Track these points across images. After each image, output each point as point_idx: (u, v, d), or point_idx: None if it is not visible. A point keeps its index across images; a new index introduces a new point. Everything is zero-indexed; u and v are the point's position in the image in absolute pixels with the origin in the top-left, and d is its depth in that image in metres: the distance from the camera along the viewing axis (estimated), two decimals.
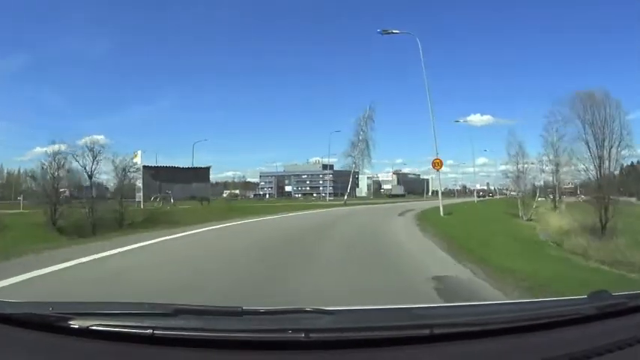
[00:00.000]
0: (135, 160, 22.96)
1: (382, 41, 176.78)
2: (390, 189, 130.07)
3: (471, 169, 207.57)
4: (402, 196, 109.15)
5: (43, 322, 1.41)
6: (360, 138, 42.12)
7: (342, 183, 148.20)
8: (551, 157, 35.78)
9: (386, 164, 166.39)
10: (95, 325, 1.36)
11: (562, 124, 36.30)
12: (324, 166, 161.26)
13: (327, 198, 60.85)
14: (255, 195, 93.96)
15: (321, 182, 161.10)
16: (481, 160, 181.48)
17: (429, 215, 19.76)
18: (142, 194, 26.56)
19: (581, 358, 1.38)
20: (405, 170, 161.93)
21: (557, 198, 35.82)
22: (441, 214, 20.73)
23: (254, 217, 18.94)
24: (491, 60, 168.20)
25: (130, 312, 1.54)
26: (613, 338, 1.50)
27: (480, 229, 14.56)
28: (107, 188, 21.99)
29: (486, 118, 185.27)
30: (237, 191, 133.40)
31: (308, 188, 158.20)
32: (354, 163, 42.36)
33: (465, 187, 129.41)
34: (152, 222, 16.15)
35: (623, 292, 1.89)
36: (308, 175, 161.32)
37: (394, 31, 22.09)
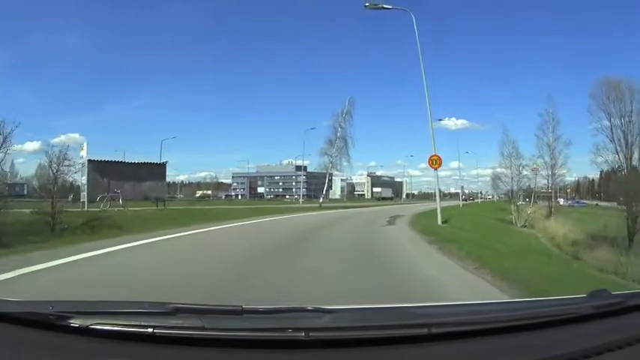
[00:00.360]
0: (81, 154, 19.51)
1: (359, 39, 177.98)
2: (380, 192, 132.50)
3: (444, 173, 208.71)
4: (390, 199, 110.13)
5: (43, 321, 1.40)
6: (338, 135, 37.83)
7: (316, 185, 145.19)
8: (546, 158, 33.19)
9: (359, 167, 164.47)
10: (95, 323, 1.35)
11: (555, 124, 33.88)
12: (298, 167, 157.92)
13: (300, 200, 56.70)
14: (226, 196, 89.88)
15: (294, 184, 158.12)
16: (454, 164, 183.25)
17: (432, 227, 15.76)
18: (86, 193, 22.07)
19: (579, 358, 1.37)
20: (379, 172, 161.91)
21: (552, 202, 32.58)
22: (439, 221, 17.10)
23: (207, 225, 14.86)
24: (469, 65, 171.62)
25: (130, 311, 1.54)
26: (612, 337, 1.49)
27: (493, 242, 12.25)
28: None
29: (461, 122, 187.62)
30: (209, 192, 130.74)
31: (281, 190, 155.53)
32: (331, 162, 38.06)
33: (439, 190, 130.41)
34: (85, 230, 12.19)
35: (622, 292, 1.96)
36: (281, 176, 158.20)
37: (385, 7, 17.43)
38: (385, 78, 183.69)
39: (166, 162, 38.26)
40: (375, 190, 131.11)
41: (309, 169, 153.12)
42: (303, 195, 67.39)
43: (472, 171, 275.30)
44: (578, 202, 77.62)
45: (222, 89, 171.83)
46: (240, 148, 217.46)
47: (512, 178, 32.04)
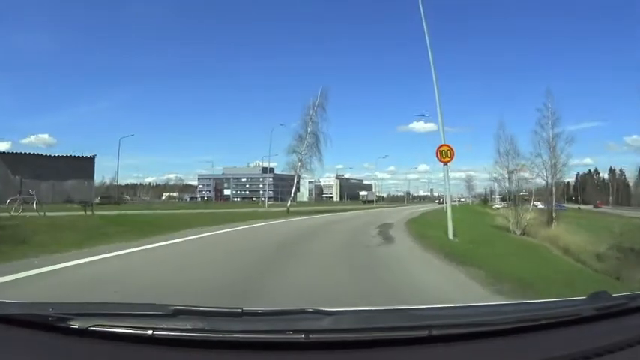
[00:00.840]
0: None
1: (331, 40, 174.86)
2: (366, 195, 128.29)
3: (412, 176, 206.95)
4: (372, 202, 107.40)
5: (43, 323, 1.39)
6: (309, 130, 32.74)
7: (283, 187, 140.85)
8: (545, 157, 29.18)
9: (326, 169, 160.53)
10: (95, 325, 1.34)
11: (556, 120, 30.00)
12: (264, 169, 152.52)
13: (267, 204, 51.54)
14: (191, 198, 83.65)
15: (261, 186, 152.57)
16: (422, 167, 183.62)
17: (446, 244, 10.99)
18: None
19: (580, 359, 1.37)
20: (347, 175, 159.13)
21: (552, 206, 28.45)
22: (450, 235, 12.44)
23: (132, 242, 9.57)
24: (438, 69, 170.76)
25: (130, 312, 1.53)
26: (613, 339, 1.48)
27: (522, 261, 9.88)
28: None
29: (430, 126, 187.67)
30: (175, 194, 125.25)
31: (247, 192, 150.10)
32: (300, 161, 33.02)
33: (408, 193, 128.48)
34: None
35: (622, 293, 1.88)
36: (247, 178, 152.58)
37: None
38: (353, 80, 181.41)
39: (95, 156, 30.92)
40: (362, 193, 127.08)
41: (276, 172, 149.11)
42: (269, 198, 62.18)
43: (440, 174, 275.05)
44: (559, 206, 72.80)
45: (194, 90, 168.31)
46: (211, 149, 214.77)
47: (509, 179, 27.45)
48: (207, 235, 12.55)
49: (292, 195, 33.68)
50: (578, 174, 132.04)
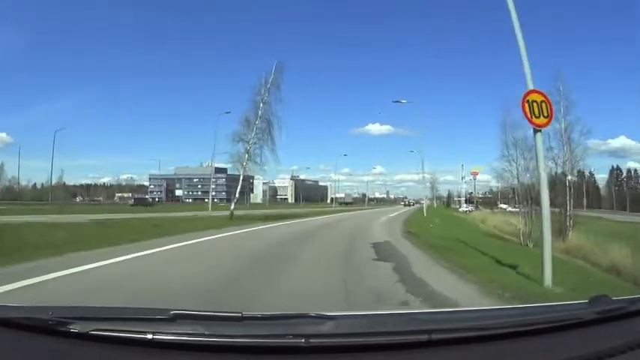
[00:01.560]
0: None
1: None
2: (344, 197, 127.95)
3: (367, 178, 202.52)
4: (350, 204, 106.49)
5: (43, 327, 1.36)
6: (260, 113, 25.24)
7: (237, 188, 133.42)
8: (556, 151, 23.34)
9: (281, 170, 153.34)
10: (95, 329, 1.32)
11: (569, 105, 24.28)
12: (218, 169, 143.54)
13: (210, 207, 43.96)
14: (136, 199, 73.81)
15: (213, 186, 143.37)
16: (378, 169, 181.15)
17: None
18: None
19: None
20: (302, 176, 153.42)
21: (570, 210, 22.38)
22: (546, 280, 5.68)
23: None
24: (392, 70, 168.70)
25: (129, 317, 1.50)
26: (614, 342, 1.46)
27: None
28: None
29: (385, 128, 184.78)
30: (128, 194, 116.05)
31: (199, 193, 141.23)
32: (247, 151, 24.39)
33: (364, 195, 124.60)
34: None
35: (622, 297, 1.83)
36: (199, 178, 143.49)
37: None
38: (308, 81, 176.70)
39: None
40: (339, 195, 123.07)
41: (230, 171, 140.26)
42: (222, 199, 54.63)
43: (395, 176, 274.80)
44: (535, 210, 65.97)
45: (150, 91, 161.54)
46: (170, 149, 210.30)
47: (517, 175, 21.15)
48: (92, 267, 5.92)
49: (236, 196, 25.85)
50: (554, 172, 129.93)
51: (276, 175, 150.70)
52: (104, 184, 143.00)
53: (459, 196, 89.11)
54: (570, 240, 20.18)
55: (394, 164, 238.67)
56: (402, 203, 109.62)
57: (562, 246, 18.14)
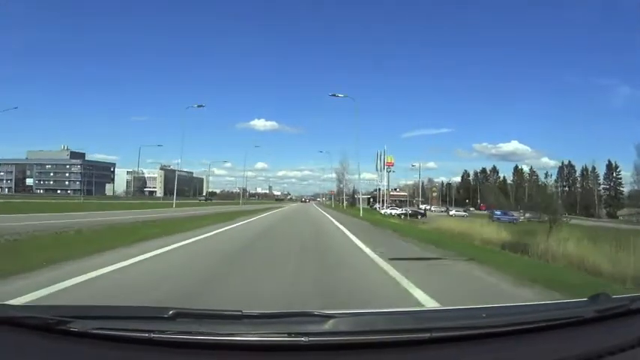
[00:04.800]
0: None
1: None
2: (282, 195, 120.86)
3: (250, 173, 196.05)
4: (282, 200, 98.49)
5: (43, 325, 1.34)
6: None
7: (98, 177, 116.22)
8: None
9: (151, 164, 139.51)
10: (95, 328, 1.31)
11: None
12: (74, 154, 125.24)
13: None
14: None
15: (67, 175, 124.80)
16: (260, 165, 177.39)
17: None
18: None
19: None
20: (175, 167, 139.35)
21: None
22: None
23: None
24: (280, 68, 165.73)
25: (130, 315, 1.49)
26: (614, 340, 1.44)
27: None
28: None
29: (271, 124, 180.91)
30: None
31: (52, 182, 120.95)
32: None
33: (244, 189, 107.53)
34: None
35: (622, 295, 1.85)
36: (52, 164, 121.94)
37: None
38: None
39: None
40: (276, 193, 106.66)
41: (88, 156, 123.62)
42: (76, 190, 45.00)
43: (278, 172, 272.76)
44: (505, 215, 50.01)
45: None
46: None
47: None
48: None
49: None
50: (466, 172, 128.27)
51: (146, 165, 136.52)
52: None
53: (374, 192, 77.03)
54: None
55: (278, 161, 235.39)
56: (302, 200, 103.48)
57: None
